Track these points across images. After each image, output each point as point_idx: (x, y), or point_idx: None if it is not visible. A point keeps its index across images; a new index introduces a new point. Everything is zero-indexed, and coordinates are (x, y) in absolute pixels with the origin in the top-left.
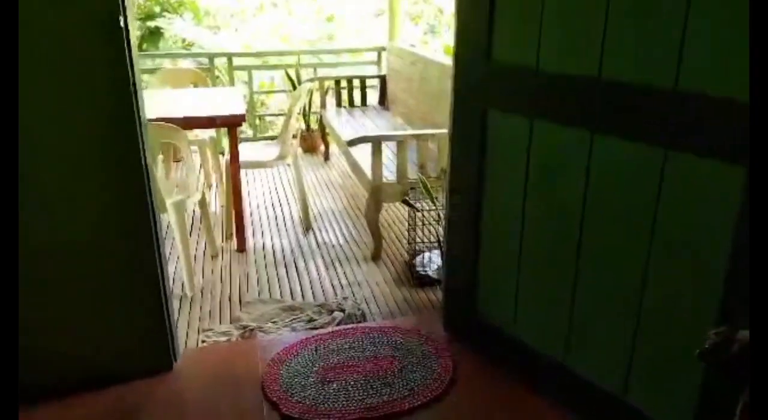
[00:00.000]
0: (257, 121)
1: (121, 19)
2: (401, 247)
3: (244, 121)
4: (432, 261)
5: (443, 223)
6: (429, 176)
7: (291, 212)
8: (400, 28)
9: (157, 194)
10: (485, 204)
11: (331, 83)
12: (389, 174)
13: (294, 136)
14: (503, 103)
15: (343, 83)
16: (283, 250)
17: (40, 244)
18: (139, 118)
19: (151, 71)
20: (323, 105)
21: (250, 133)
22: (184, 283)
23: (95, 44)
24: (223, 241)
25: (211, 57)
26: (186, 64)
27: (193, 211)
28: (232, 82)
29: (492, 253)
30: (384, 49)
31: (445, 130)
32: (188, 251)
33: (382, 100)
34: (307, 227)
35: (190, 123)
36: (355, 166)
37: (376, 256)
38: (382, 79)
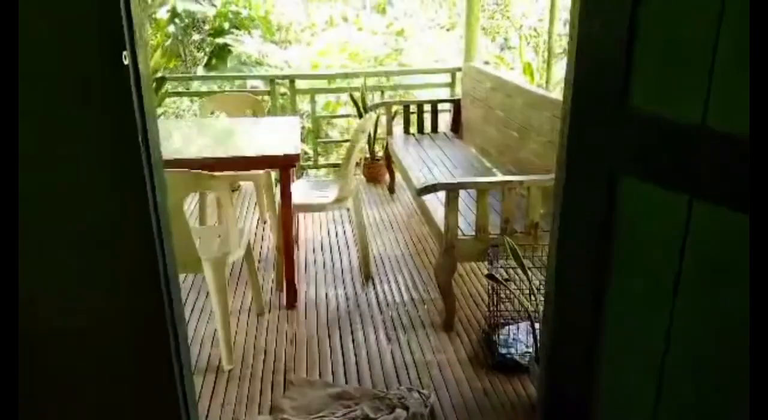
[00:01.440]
0: (318, 148)
1: (126, 54)
2: (478, 311)
3: (297, 161)
4: (517, 339)
5: (534, 295)
6: (515, 231)
7: (350, 258)
8: (477, 47)
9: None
10: (609, 305)
11: (399, 107)
12: (466, 227)
13: (357, 164)
14: (645, 170)
15: (413, 107)
16: (338, 308)
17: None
18: (151, 175)
19: (209, 93)
20: (389, 131)
21: (312, 156)
22: (222, 354)
23: (92, 87)
24: (272, 293)
25: (272, 79)
26: (254, 83)
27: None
28: (293, 106)
29: (616, 381)
30: (459, 70)
31: (538, 177)
32: (227, 317)
33: (456, 126)
34: (367, 276)
35: (233, 165)
36: (425, 213)
37: (447, 325)
38: (456, 104)
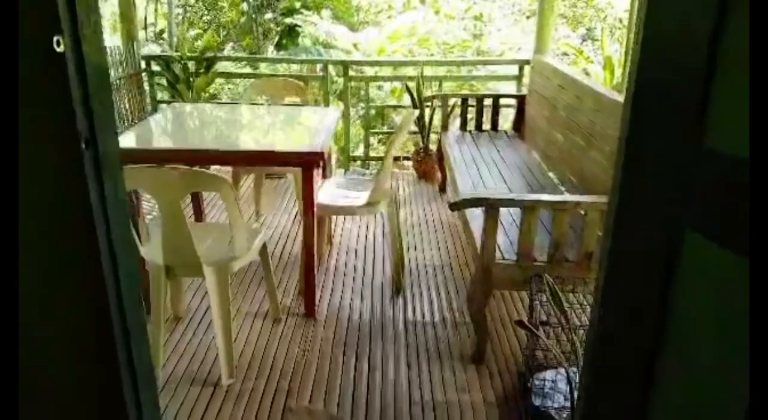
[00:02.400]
0: (370, 140)
1: (59, 39)
2: (516, 342)
3: (321, 160)
4: (556, 388)
5: (576, 343)
6: (565, 259)
7: (384, 264)
8: (551, 39)
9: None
10: (662, 374)
11: (457, 100)
12: (507, 247)
13: (406, 158)
14: (716, 228)
15: (472, 101)
16: (360, 321)
17: None
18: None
19: (255, 76)
20: (445, 126)
21: (361, 149)
22: (221, 367)
23: (21, 79)
24: (294, 297)
25: (325, 64)
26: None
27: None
28: (346, 93)
29: None
30: (527, 62)
31: (597, 198)
32: (228, 328)
33: (518, 125)
34: (398, 289)
35: (247, 159)
36: (464, 223)
37: (478, 358)
38: (521, 100)
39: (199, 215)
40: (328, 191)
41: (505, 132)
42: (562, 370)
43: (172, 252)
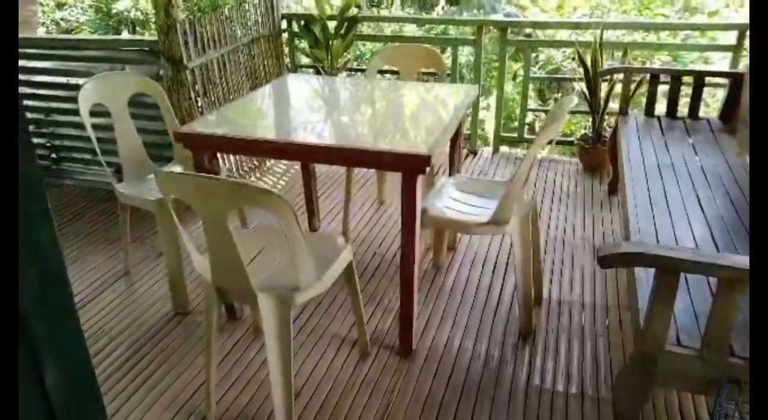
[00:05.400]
0: (524, 116)
1: None
2: None
3: (428, 165)
4: None
5: None
6: None
7: (514, 297)
8: None
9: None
10: None
11: (644, 76)
12: (689, 329)
13: (572, 143)
14: None
15: (664, 78)
16: (467, 375)
17: None
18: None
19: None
20: (623, 110)
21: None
22: None
23: None
24: (393, 324)
25: (479, 26)
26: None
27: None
28: (502, 61)
29: None
30: (747, 30)
31: None
32: (288, 376)
33: (728, 114)
34: (527, 333)
35: (326, 156)
36: (629, 286)
37: None
38: (735, 80)
39: (313, 219)
40: (444, 195)
41: (708, 122)
42: None
43: (220, 273)
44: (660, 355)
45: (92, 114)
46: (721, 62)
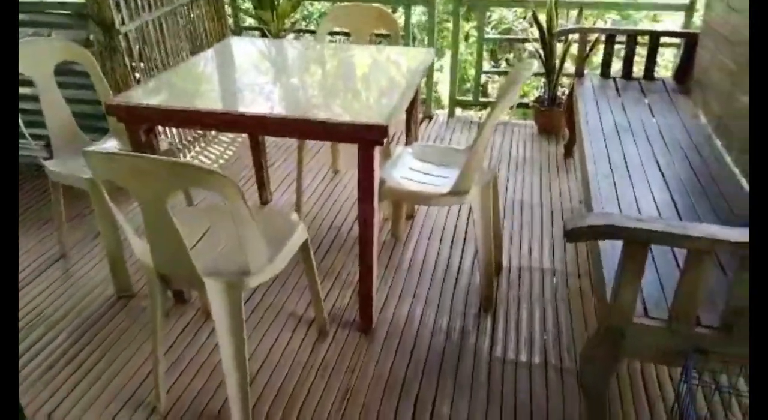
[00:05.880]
0: (490, 80)
1: None
2: None
3: (385, 136)
4: None
5: None
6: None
7: (474, 267)
8: None
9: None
10: None
11: (599, 36)
12: (653, 299)
13: (528, 106)
14: None
15: (620, 38)
16: (430, 347)
17: None
18: None
19: None
20: (579, 71)
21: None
22: (233, 410)
23: None
24: (351, 300)
25: None
26: None
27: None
28: (456, 22)
29: None
30: None
31: None
32: (242, 364)
33: (682, 75)
34: (487, 302)
35: (274, 128)
36: (592, 257)
37: None
38: (689, 41)
39: (263, 192)
40: (402, 165)
41: (663, 82)
42: None
43: (161, 259)
44: (628, 327)
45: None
46: (668, 22)
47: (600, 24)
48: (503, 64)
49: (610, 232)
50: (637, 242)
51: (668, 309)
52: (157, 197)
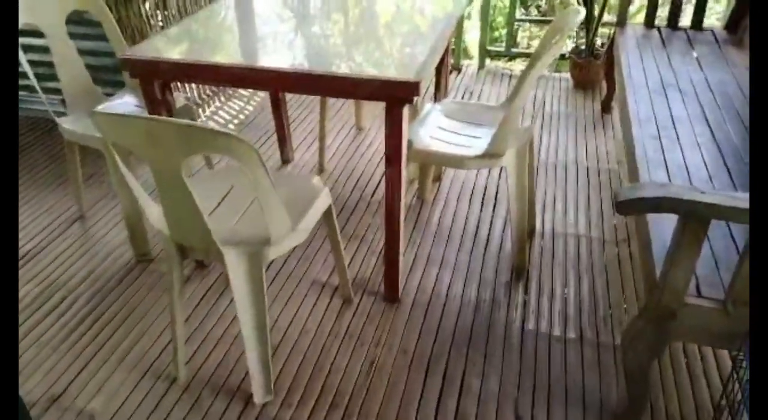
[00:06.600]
0: (521, 28)
1: None
2: (689, 405)
3: (416, 94)
4: None
5: None
6: None
7: (507, 226)
8: None
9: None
10: None
11: None
12: (707, 279)
13: (563, 57)
14: None
15: None
16: (457, 319)
17: None
18: None
19: None
20: (621, 21)
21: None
22: (253, 384)
23: None
24: (377, 265)
25: None
26: None
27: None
28: None
29: None
30: None
31: None
32: (264, 333)
33: (734, 24)
34: (520, 270)
35: (290, 83)
36: (639, 230)
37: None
38: None
39: (285, 150)
40: (431, 124)
41: (713, 32)
42: None
43: (177, 229)
44: (680, 308)
45: (25, 34)
46: None
47: None
48: (533, 12)
49: (669, 205)
50: (697, 218)
51: (724, 289)
52: (170, 163)
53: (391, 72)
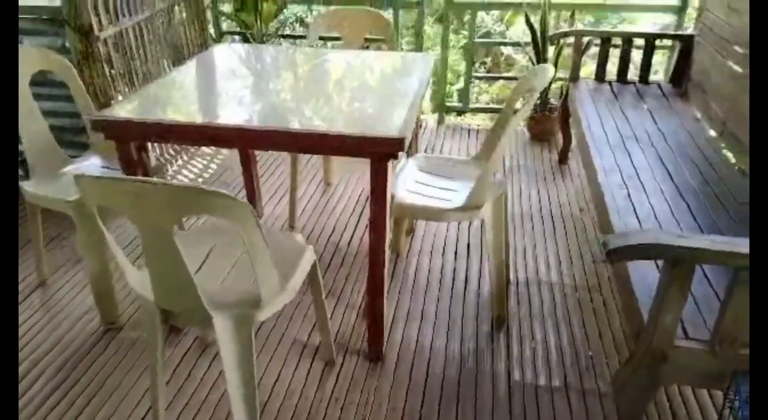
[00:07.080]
0: (472, 84)
1: None
2: None
3: (401, 149)
4: None
5: None
6: None
7: (481, 276)
8: None
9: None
10: None
11: (594, 39)
12: (692, 320)
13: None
14: None
15: (616, 40)
16: (444, 376)
17: None
18: None
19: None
20: (574, 76)
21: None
22: None
23: None
24: (357, 323)
25: None
26: None
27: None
28: (446, 26)
29: None
30: None
31: None
32: (253, 405)
33: (678, 78)
34: (500, 321)
35: (278, 142)
36: (618, 276)
37: None
38: (685, 43)
39: (255, 206)
40: (407, 177)
41: (659, 86)
42: None
43: (164, 294)
44: (667, 350)
45: None
46: (647, 24)
47: (579, 26)
48: (480, 69)
49: (657, 251)
50: (685, 262)
51: (707, 329)
52: (161, 226)
53: (376, 129)
